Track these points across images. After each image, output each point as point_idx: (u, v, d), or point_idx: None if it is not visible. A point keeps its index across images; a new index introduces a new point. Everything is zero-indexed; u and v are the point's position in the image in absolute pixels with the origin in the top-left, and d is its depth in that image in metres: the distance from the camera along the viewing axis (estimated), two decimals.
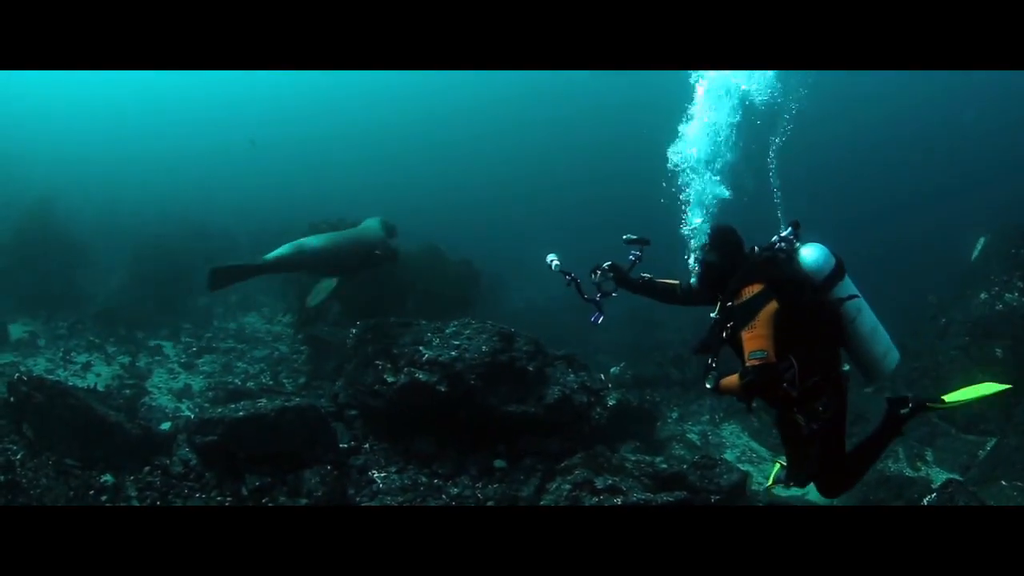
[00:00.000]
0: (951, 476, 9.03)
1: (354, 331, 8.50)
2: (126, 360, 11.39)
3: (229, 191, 32.43)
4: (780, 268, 4.08)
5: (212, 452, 6.95)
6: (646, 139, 4.94)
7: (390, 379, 7.48)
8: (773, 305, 3.84)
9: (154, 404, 9.77)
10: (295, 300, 11.69)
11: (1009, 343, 10.55)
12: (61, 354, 11.31)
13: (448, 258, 12.60)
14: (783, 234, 4.24)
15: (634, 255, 4.65)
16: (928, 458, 10.02)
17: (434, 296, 11.23)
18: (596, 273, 4.67)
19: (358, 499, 6.88)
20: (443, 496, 6.92)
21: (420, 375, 7.30)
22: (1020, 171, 31.40)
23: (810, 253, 4.17)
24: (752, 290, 3.90)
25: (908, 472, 9.53)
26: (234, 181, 36.78)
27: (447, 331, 7.87)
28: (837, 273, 4.16)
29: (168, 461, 7.11)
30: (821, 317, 4.07)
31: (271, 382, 10.71)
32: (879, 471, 9.56)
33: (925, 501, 7.40)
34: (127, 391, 9.96)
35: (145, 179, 30.80)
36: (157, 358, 11.74)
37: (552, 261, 4.74)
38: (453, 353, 7.41)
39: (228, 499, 6.71)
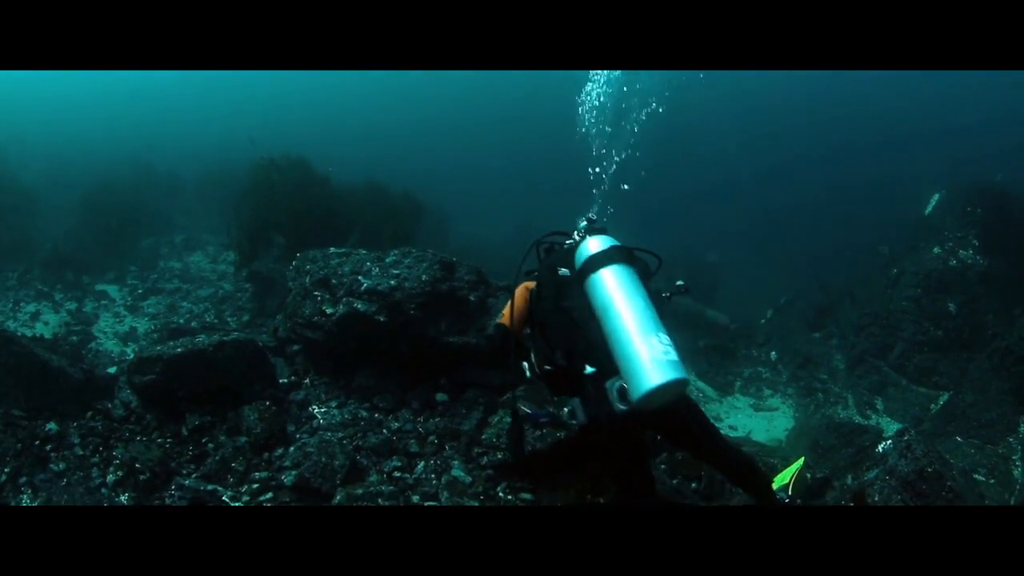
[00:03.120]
0: (904, 427, 8.98)
1: (294, 263, 8.24)
2: (73, 307, 11.18)
3: (175, 134, 31.91)
4: (546, 257, 4.47)
5: (151, 391, 6.78)
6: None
7: (329, 310, 7.24)
8: (527, 285, 4.41)
9: (100, 349, 9.59)
10: (237, 236, 11.43)
11: (963, 299, 10.53)
12: (11, 305, 11.09)
13: (390, 192, 12.32)
14: (580, 227, 4.44)
15: (667, 295, 4.31)
16: (878, 407, 9.96)
17: (377, 230, 10.97)
18: None
19: (298, 435, 6.77)
20: (384, 431, 6.77)
21: (359, 305, 7.07)
22: (973, 131, 31.52)
23: (587, 245, 4.12)
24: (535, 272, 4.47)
25: (858, 419, 9.42)
26: (180, 123, 36.25)
27: (387, 260, 7.57)
28: (589, 266, 3.94)
29: (110, 405, 6.97)
30: (559, 309, 4.09)
31: (215, 321, 10.53)
32: (827, 416, 9.54)
33: (880, 448, 7.21)
34: (74, 338, 9.77)
35: (92, 123, 30.20)
36: (103, 302, 11.49)
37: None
38: (392, 282, 7.15)
39: (169, 440, 6.61)
